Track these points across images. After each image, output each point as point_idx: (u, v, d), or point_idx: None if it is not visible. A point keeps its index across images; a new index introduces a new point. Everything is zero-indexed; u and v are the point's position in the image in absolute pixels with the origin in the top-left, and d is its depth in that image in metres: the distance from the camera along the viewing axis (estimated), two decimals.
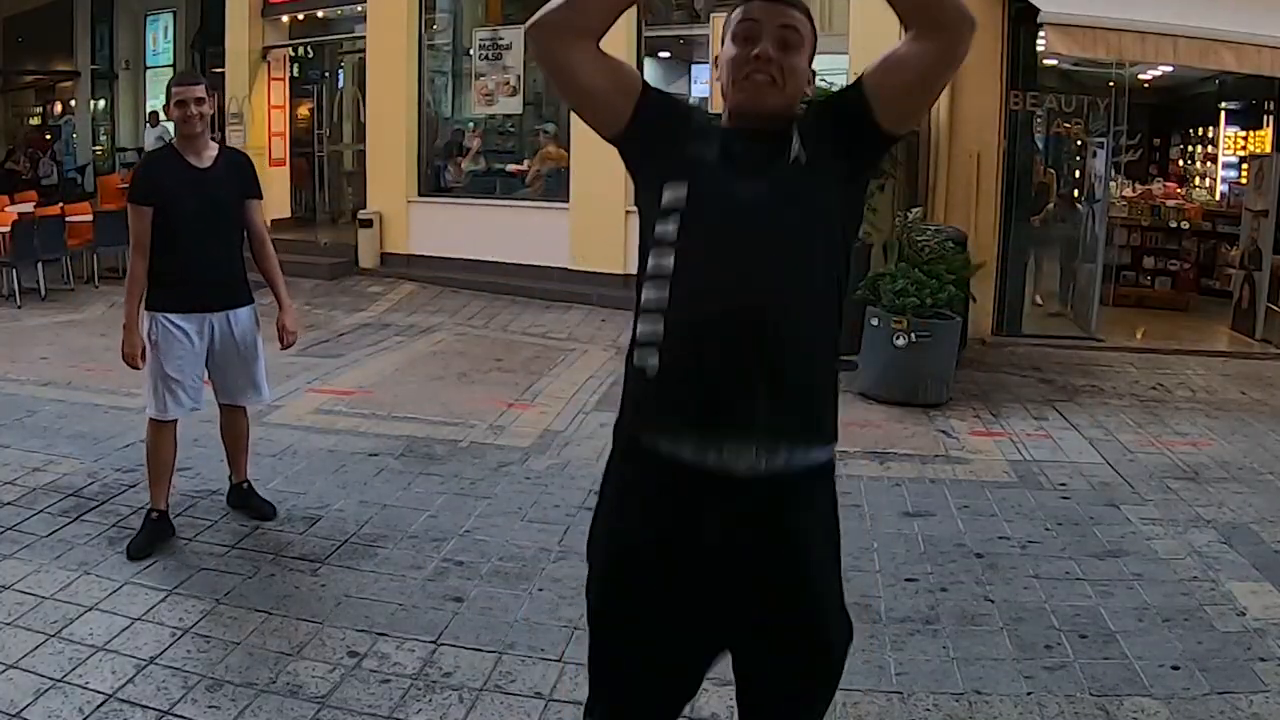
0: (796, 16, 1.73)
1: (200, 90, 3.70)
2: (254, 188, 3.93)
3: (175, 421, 3.83)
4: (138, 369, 3.76)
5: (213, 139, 3.84)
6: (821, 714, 1.86)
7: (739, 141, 1.73)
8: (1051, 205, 9.05)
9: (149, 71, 15.65)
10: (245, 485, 4.14)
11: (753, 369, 1.62)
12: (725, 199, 1.68)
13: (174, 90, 3.72)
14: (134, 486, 4.35)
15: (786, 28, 1.71)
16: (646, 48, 9.28)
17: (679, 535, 1.68)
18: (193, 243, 3.69)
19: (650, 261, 1.70)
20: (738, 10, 1.75)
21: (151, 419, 3.79)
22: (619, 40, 8.92)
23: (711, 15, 8.70)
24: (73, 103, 16.65)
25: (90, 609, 3.23)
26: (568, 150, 9.74)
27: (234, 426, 4.08)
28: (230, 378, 3.93)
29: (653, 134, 1.78)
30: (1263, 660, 3.08)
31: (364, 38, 10.83)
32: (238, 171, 3.86)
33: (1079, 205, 9.11)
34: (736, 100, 1.74)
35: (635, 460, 1.76)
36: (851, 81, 1.77)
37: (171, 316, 3.72)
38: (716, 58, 1.80)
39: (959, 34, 1.63)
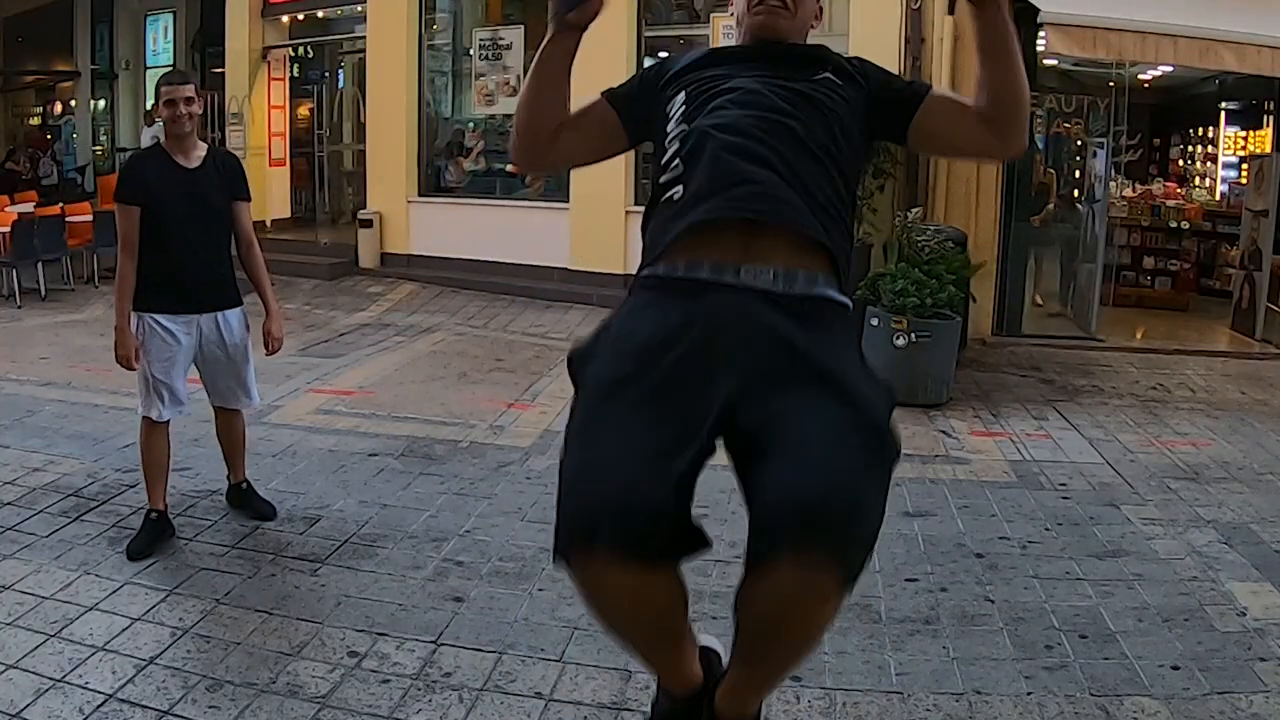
0: None
1: (190, 89, 3.66)
2: (242, 189, 3.88)
3: (167, 422, 3.82)
4: (134, 369, 3.76)
5: (202, 139, 3.83)
6: (867, 490, 1.58)
7: (753, 47, 1.91)
8: (1051, 205, 9.05)
9: (149, 71, 15.60)
10: (245, 485, 4.13)
11: (770, 189, 1.71)
12: (735, 74, 1.84)
13: (163, 89, 3.67)
14: (134, 486, 4.34)
15: None
16: (646, 47, 9.28)
17: (697, 316, 1.68)
18: (181, 243, 3.67)
19: (666, 144, 1.86)
20: None
21: (144, 419, 3.80)
22: (619, 40, 8.93)
23: (712, 15, 8.70)
24: (73, 103, 16.63)
25: (90, 609, 3.23)
26: None
27: (229, 429, 4.07)
28: (219, 380, 3.92)
29: (647, 109, 1.93)
30: (1263, 660, 3.08)
31: (364, 38, 10.83)
32: (226, 172, 3.82)
33: (1079, 205, 9.11)
34: (751, 24, 1.91)
35: (649, 287, 1.78)
36: (922, 84, 1.91)
37: (159, 317, 3.70)
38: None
39: (1010, 151, 1.84)
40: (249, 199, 3.91)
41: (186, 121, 3.65)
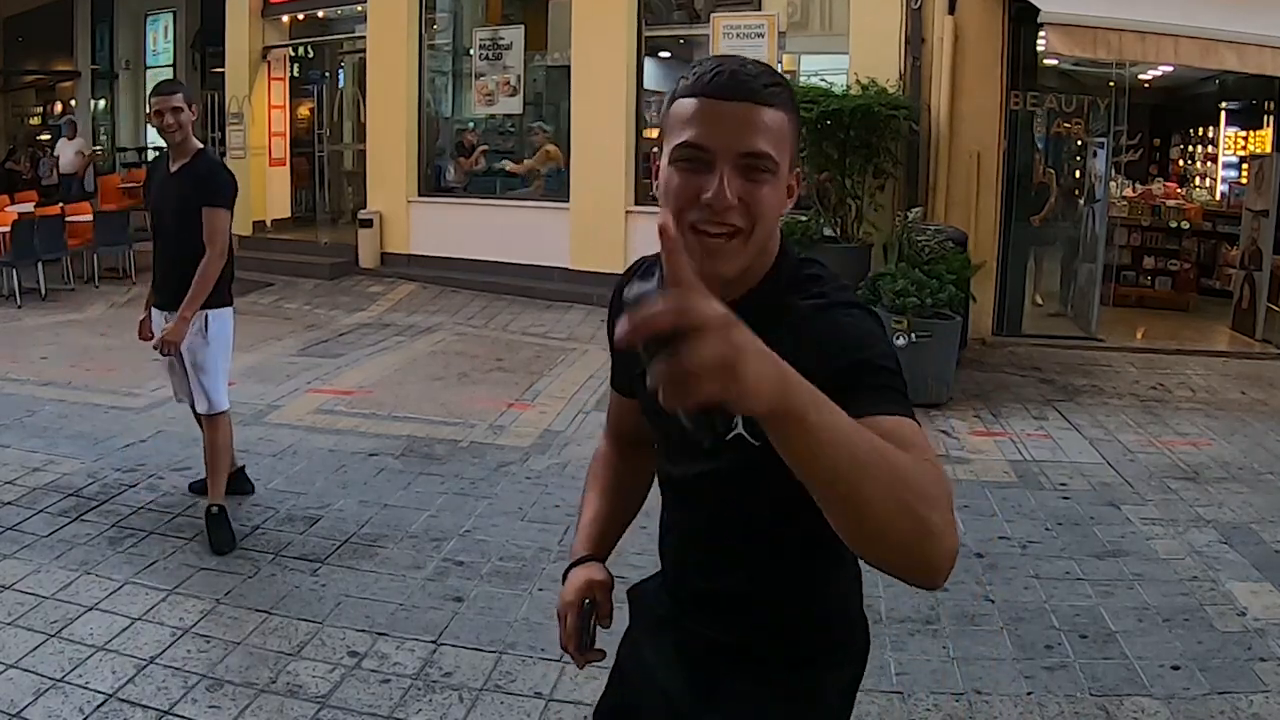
0: (764, 124, 1.16)
1: (176, 100, 3.79)
2: (210, 195, 3.83)
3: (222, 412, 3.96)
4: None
5: (200, 140, 3.95)
6: None
7: None
8: (1051, 200, 9.04)
9: (149, 71, 15.62)
10: (215, 510, 3.87)
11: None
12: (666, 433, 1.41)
13: (153, 100, 3.85)
14: (134, 486, 4.36)
15: (751, 156, 1.16)
16: (646, 48, 9.28)
17: None
18: (159, 243, 3.97)
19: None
20: (679, 107, 1.19)
21: None
22: (619, 41, 8.93)
23: (712, 15, 8.69)
24: (73, 103, 16.64)
25: (90, 609, 3.24)
26: (563, 149, 9.78)
27: (208, 439, 3.99)
28: (183, 377, 3.99)
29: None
30: (1263, 660, 3.08)
31: (364, 38, 10.82)
32: (200, 177, 3.84)
33: (1079, 204, 9.10)
34: None
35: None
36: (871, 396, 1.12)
37: (155, 312, 4.02)
38: (655, 164, 1.27)
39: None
40: (217, 204, 3.85)
41: (175, 131, 3.80)
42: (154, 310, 4.01)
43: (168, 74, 15.11)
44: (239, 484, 4.23)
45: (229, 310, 3.97)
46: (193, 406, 4.02)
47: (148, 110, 3.99)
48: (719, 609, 1.42)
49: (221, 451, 3.98)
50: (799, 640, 1.42)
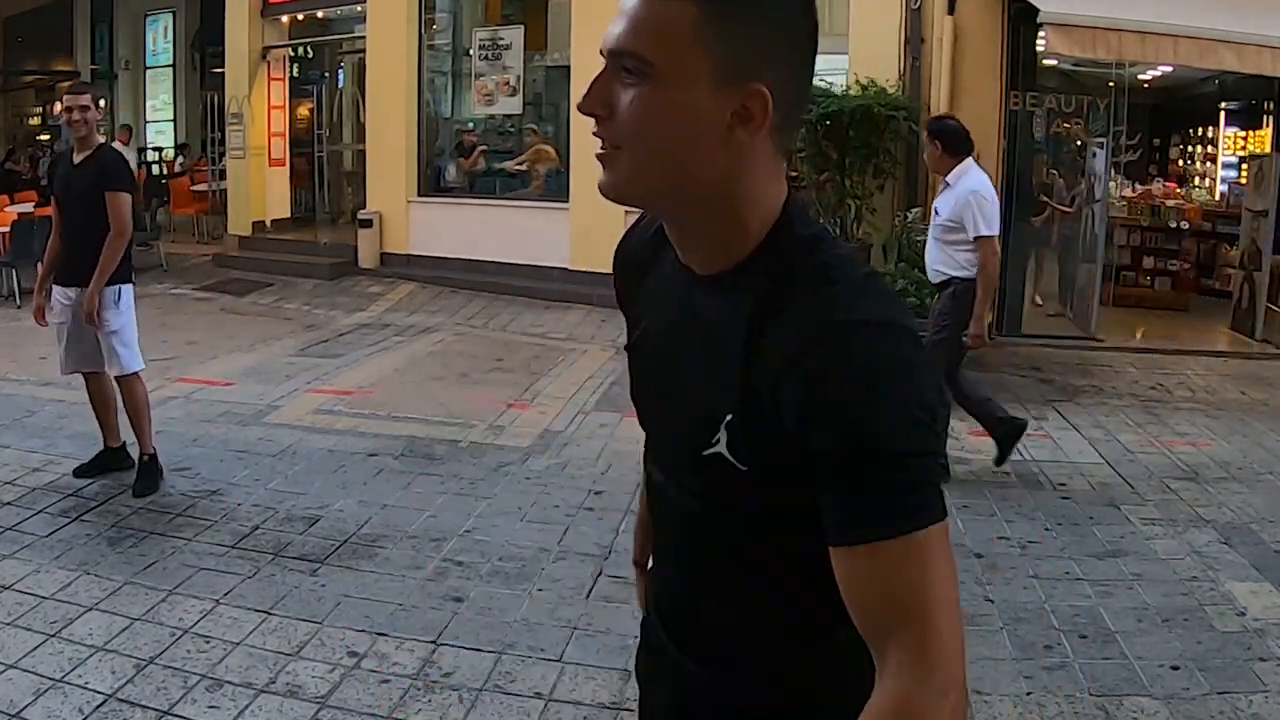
0: (641, 14, 0.95)
1: (84, 99, 4.26)
2: (111, 182, 4.25)
3: (87, 374, 4.44)
4: (41, 325, 4.52)
5: (101, 140, 4.37)
6: None
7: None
8: (1051, 201, 9.04)
9: (149, 71, 15.65)
10: (145, 458, 4.41)
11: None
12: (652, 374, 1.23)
13: (64, 98, 4.32)
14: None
15: (615, 55, 0.96)
16: None
17: None
18: (62, 227, 4.39)
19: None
20: None
21: None
22: None
23: None
24: None
25: (90, 609, 3.23)
26: (560, 149, 9.77)
27: (100, 392, 4.49)
28: (79, 351, 4.40)
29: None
30: (1263, 660, 3.08)
31: (364, 38, 10.82)
32: (98, 168, 4.27)
33: (1078, 204, 9.10)
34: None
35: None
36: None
37: (54, 288, 4.43)
38: None
39: None
40: (118, 189, 4.25)
41: (81, 126, 4.23)
42: (55, 289, 4.41)
43: (168, 74, 15.15)
44: (118, 458, 4.55)
45: (131, 286, 4.41)
46: (76, 372, 4.48)
47: (64, 111, 4.39)
48: (699, 643, 1.16)
49: (141, 406, 4.40)
50: (783, 688, 1.11)
